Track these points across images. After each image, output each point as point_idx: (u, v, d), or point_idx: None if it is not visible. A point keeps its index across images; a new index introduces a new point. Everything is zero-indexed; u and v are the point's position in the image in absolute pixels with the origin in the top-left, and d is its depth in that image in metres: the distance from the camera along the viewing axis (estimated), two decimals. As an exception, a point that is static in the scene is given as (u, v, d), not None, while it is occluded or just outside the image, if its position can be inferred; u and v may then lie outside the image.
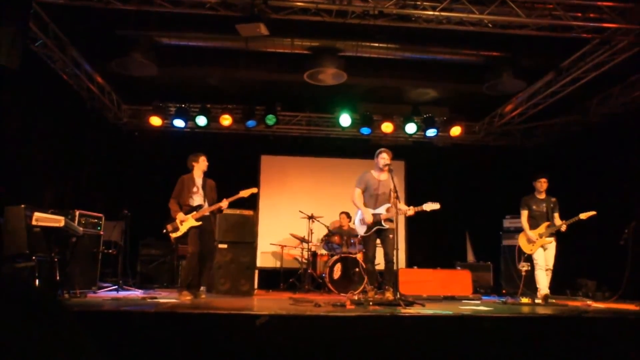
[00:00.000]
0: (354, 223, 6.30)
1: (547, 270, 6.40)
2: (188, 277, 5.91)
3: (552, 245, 6.44)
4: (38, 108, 6.98)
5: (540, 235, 6.44)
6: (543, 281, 6.33)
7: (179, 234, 5.89)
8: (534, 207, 6.58)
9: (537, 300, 6.04)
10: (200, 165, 6.11)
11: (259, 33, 5.83)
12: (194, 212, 5.91)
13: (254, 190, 6.20)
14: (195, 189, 6.04)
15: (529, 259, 6.58)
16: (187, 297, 5.68)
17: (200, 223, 5.89)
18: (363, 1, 5.83)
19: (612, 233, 6.84)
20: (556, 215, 6.43)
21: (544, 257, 6.41)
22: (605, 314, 4.68)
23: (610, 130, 8.08)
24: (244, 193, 6.13)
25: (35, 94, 6.89)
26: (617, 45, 6.36)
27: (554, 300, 6.22)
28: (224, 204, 6.02)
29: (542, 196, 6.60)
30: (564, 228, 6.31)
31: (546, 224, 6.45)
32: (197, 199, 6.02)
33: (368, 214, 5.82)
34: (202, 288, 6.44)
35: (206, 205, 6.02)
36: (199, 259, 5.95)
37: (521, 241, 6.65)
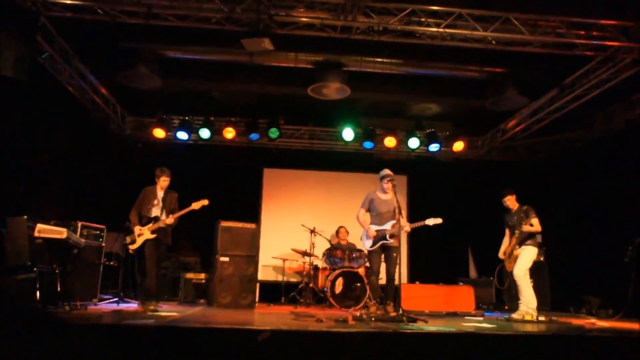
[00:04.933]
0: (360, 238, 6.41)
1: (515, 276, 6.25)
2: (151, 288, 5.94)
3: (522, 251, 6.29)
4: (42, 119, 7.00)
5: (512, 250, 6.39)
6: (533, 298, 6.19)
7: (135, 246, 6.02)
8: (509, 222, 6.56)
9: (540, 318, 5.99)
10: (160, 184, 6.18)
11: (264, 48, 5.88)
12: (150, 224, 5.99)
13: (205, 202, 6.19)
14: (155, 201, 6.14)
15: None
16: (151, 307, 5.72)
17: (155, 235, 5.98)
18: (367, 17, 5.88)
19: (615, 249, 6.81)
20: (532, 221, 6.22)
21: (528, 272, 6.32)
22: (609, 333, 4.63)
23: (614, 146, 8.07)
24: (196, 205, 6.16)
25: (40, 105, 6.91)
26: (620, 62, 6.39)
27: (555, 318, 6.16)
28: (170, 220, 6.03)
29: (515, 209, 6.54)
30: (527, 228, 6.20)
31: (514, 237, 6.41)
32: (155, 211, 6.11)
33: (371, 230, 6.10)
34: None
35: (163, 217, 6.08)
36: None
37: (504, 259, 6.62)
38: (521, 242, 6.33)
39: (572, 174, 8.90)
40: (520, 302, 6.24)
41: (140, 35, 6.63)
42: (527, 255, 6.24)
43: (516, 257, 6.32)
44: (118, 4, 5.72)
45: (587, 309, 7.51)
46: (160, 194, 6.18)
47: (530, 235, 6.27)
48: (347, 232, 8.62)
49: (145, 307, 5.72)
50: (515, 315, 6.21)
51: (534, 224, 6.21)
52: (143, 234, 5.96)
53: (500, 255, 6.56)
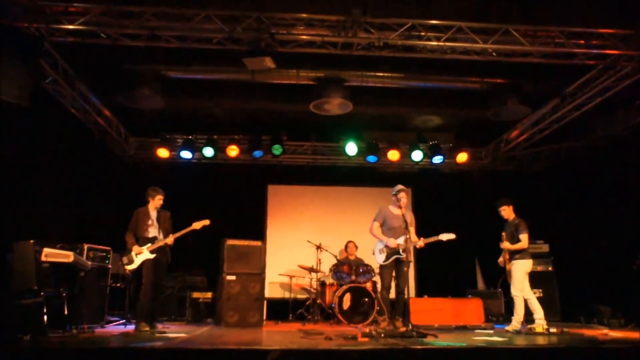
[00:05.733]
0: (372, 252, 6.38)
1: (512, 294, 6.31)
2: (145, 308, 5.90)
3: (513, 267, 6.31)
4: (47, 142, 7.04)
5: (505, 262, 6.43)
6: (537, 307, 6.16)
7: (134, 266, 5.98)
8: (504, 232, 6.54)
9: (551, 329, 5.92)
10: (155, 203, 6.22)
11: (266, 66, 5.91)
12: (149, 245, 5.99)
13: (206, 222, 6.21)
14: (150, 222, 6.15)
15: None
16: (145, 329, 5.71)
17: (154, 255, 5.97)
18: (368, 33, 5.91)
19: (624, 257, 6.75)
20: (520, 237, 6.26)
21: (527, 283, 6.29)
22: (624, 344, 4.57)
23: (617, 153, 8.05)
24: (197, 225, 6.17)
25: (44, 129, 6.95)
26: (621, 70, 6.40)
27: (566, 329, 6.11)
28: (170, 240, 6.06)
29: (510, 219, 6.55)
30: (507, 245, 6.34)
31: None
32: (152, 231, 6.13)
33: (391, 240, 6.09)
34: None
35: (161, 236, 6.11)
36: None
37: None
38: (510, 257, 6.37)
39: (577, 182, 8.88)
40: (512, 317, 6.27)
41: (142, 56, 6.69)
42: (518, 270, 6.25)
43: (510, 271, 6.36)
44: (120, 27, 5.77)
45: (598, 319, 7.43)
46: (153, 214, 6.20)
47: (519, 249, 6.29)
48: (356, 247, 8.59)
49: (140, 328, 5.70)
50: (507, 328, 6.25)
51: (522, 240, 6.24)
52: (142, 253, 5.94)
53: (500, 264, 6.56)
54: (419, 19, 5.87)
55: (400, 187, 6.27)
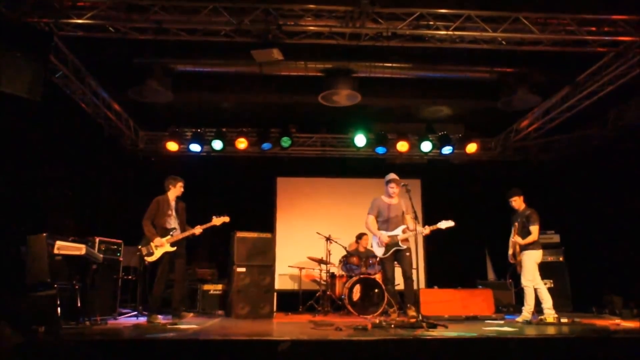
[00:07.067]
0: (371, 245, 6.35)
1: (522, 285, 6.28)
2: (157, 301, 5.92)
3: (524, 257, 6.27)
4: (58, 137, 7.09)
5: (515, 254, 6.39)
6: (546, 297, 6.13)
7: (153, 258, 5.91)
8: (514, 223, 6.51)
9: (562, 319, 5.90)
10: (177, 191, 6.19)
11: (274, 58, 5.91)
12: (169, 237, 5.94)
13: (226, 219, 6.19)
14: (170, 212, 6.10)
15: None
16: (157, 320, 5.73)
17: (174, 248, 5.94)
18: (376, 23, 5.88)
19: (636, 247, 6.70)
20: (531, 228, 6.22)
21: (537, 273, 6.26)
22: (636, 334, 4.54)
23: (630, 142, 7.94)
24: (217, 221, 6.15)
25: (55, 123, 7.00)
26: (633, 58, 6.30)
27: (578, 319, 6.08)
28: (198, 230, 6.04)
29: (520, 210, 6.50)
30: (519, 240, 6.30)
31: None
32: (172, 222, 6.08)
33: (384, 236, 6.02)
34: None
35: (179, 229, 6.07)
36: (166, 283, 5.98)
37: None
38: (521, 248, 6.31)
39: (589, 171, 8.79)
40: (523, 307, 6.26)
41: (151, 50, 6.70)
42: (528, 261, 6.21)
43: (521, 262, 6.32)
44: (128, 21, 5.79)
45: (610, 309, 7.38)
46: (173, 204, 6.15)
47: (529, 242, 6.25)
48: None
49: (152, 320, 5.75)
50: (518, 319, 6.25)
51: (532, 232, 6.19)
52: (163, 246, 5.91)
53: (510, 259, 6.52)
54: (427, 8, 5.83)
55: (392, 176, 6.18)
